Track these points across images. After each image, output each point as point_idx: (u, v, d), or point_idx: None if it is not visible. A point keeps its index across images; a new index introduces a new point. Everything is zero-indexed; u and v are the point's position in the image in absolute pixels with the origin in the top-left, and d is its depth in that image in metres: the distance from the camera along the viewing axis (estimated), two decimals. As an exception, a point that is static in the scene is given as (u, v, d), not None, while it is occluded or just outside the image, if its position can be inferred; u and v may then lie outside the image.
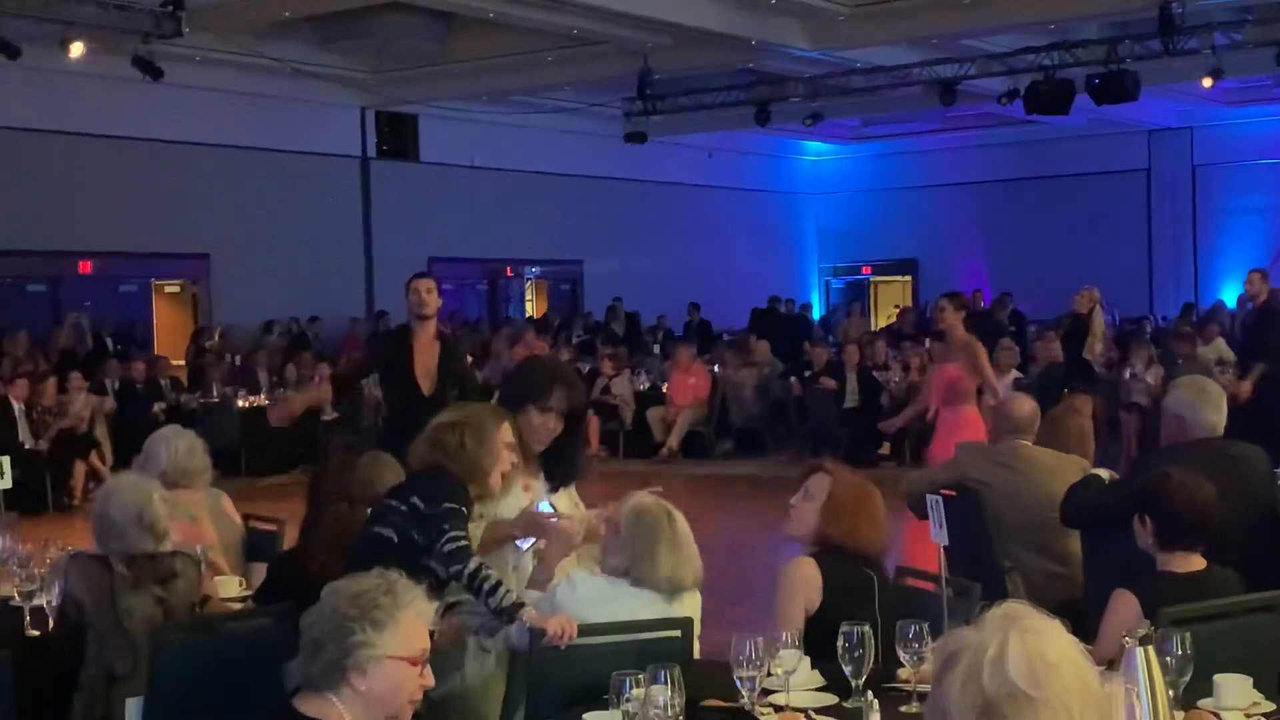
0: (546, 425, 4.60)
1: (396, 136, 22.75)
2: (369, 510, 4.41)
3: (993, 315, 19.83)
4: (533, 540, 4.53)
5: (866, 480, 4.52)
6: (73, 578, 4.55)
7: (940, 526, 4.35)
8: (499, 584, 4.05)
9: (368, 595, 2.88)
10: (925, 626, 3.57)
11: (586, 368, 18.44)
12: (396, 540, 4.10)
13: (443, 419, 4.38)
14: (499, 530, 4.51)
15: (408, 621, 2.90)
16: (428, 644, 2.97)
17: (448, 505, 4.12)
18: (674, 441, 16.55)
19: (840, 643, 3.56)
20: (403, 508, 4.15)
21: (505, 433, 4.36)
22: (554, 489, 4.74)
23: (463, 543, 4.09)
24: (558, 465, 4.73)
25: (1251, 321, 12.04)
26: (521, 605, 4.03)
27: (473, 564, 4.07)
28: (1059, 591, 5.86)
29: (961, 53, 18.80)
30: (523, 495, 4.61)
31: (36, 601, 4.88)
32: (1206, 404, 5.43)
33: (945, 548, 4.27)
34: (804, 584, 4.19)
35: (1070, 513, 5.76)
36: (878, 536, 4.34)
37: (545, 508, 4.58)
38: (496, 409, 4.54)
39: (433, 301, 7.31)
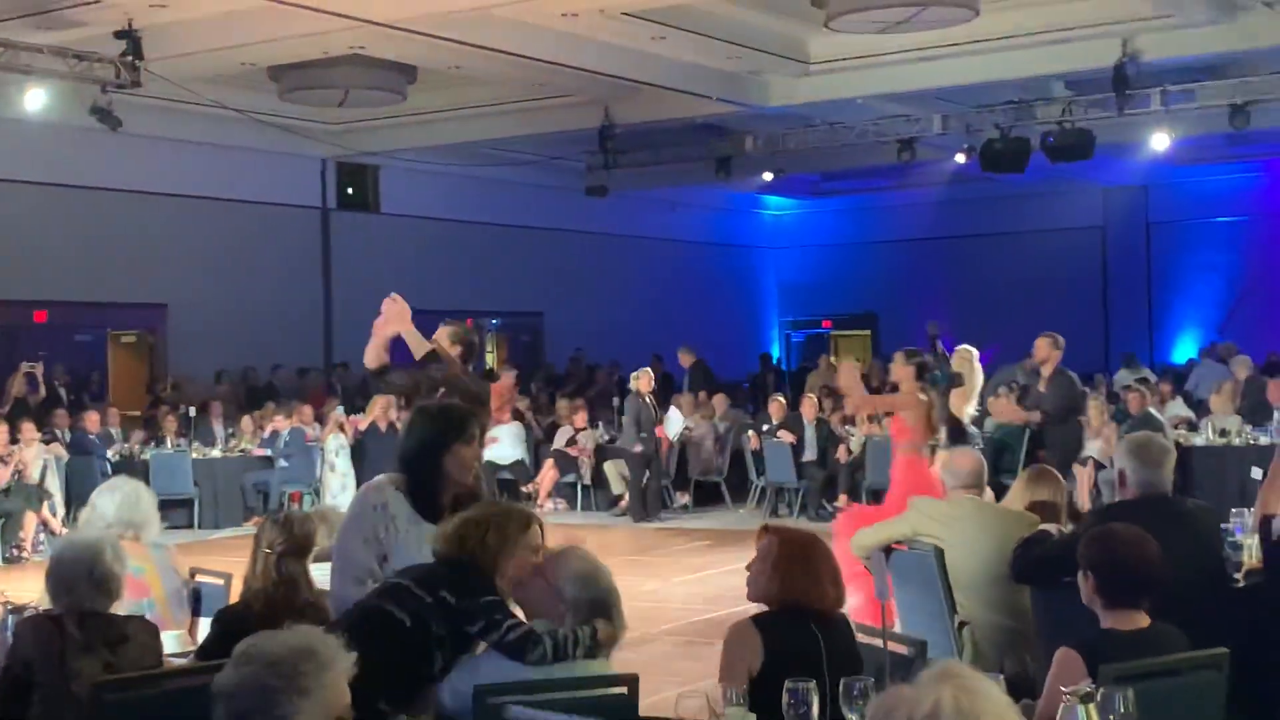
0: (475, 453, 4.92)
1: (357, 187, 22.75)
2: (381, 589, 4.33)
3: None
4: None
5: (813, 535, 4.48)
6: (24, 637, 4.49)
7: (883, 581, 4.36)
8: (567, 637, 4.10)
9: (288, 662, 2.84)
10: (870, 683, 3.56)
11: (548, 420, 18.38)
12: (409, 624, 4.09)
13: (469, 514, 4.40)
14: None
15: (334, 682, 2.87)
16: (348, 698, 2.94)
17: (488, 599, 4.14)
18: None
19: (785, 699, 3.55)
20: (427, 598, 4.12)
21: (531, 536, 4.37)
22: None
23: (524, 628, 4.12)
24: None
25: (1046, 386, 12.15)
26: (595, 630, 4.13)
27: (548, 642, 4.07)
28: (1012, 647, 5.87)
29: (920, 110, 18.99)
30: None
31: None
32: (1146, 461, 5.45)
33: (891, 603, 4.27)
34: (742, 648, 4.15)
35: (1019, 568, 5.77)
36: (829, 589, 4.30)
37: None
38: (523, 511, 4.53)
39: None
